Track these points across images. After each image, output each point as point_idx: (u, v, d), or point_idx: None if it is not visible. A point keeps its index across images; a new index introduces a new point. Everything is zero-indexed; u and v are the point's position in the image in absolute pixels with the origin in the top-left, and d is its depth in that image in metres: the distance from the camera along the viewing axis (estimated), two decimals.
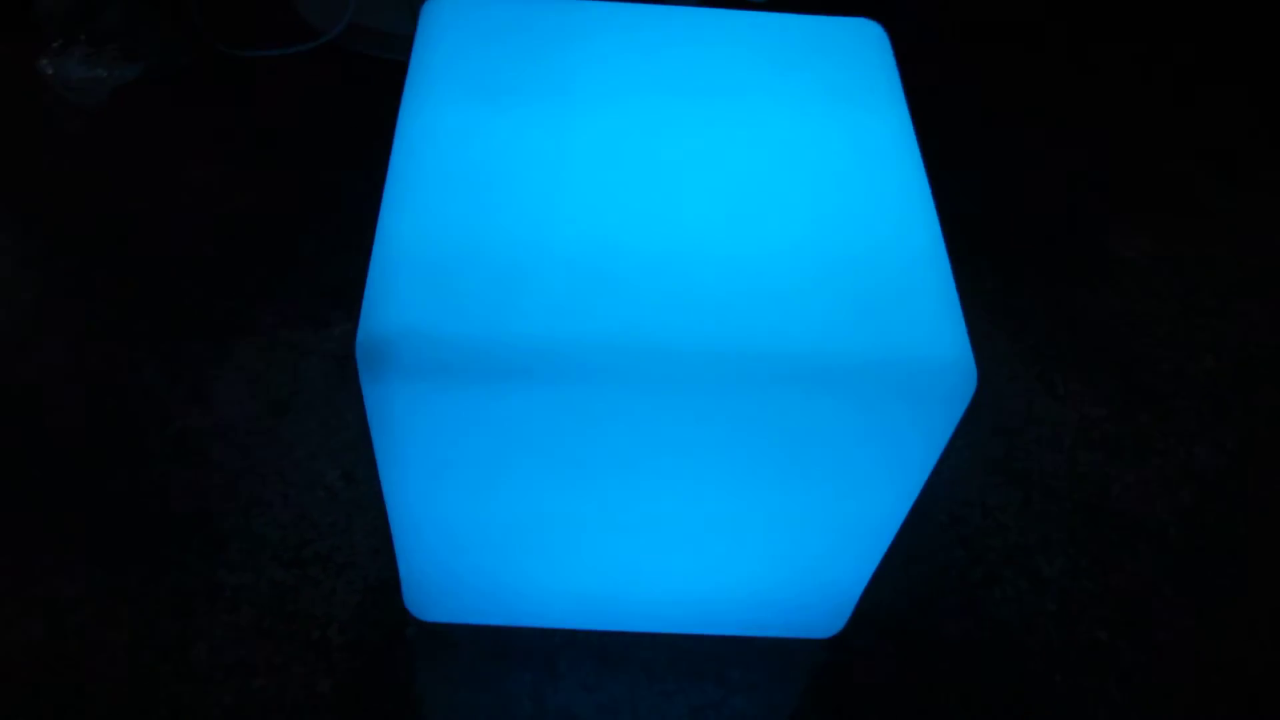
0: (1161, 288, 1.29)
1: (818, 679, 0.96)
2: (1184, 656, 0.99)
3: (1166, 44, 1.62)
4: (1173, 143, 1.47)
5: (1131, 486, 1.11)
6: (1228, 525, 1.09)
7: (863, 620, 0.99)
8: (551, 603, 0.92)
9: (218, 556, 0.98)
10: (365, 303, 0.68)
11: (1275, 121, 1.53)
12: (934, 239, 0.74)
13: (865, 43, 0.88)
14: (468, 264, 0.69)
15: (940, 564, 1.04)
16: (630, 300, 0.68)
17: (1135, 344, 1.23)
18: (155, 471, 1.03)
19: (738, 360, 0.66)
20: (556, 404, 0.69)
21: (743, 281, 0.70)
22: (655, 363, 0.66)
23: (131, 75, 1.35)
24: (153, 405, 1.08)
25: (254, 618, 0.94)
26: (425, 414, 0.70)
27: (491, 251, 0.69)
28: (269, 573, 0.97)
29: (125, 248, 1.21)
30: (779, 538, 0.82)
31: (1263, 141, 1.49)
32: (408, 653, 0.94)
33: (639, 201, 0.73)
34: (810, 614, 0.93)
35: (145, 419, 1.06)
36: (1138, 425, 1.16)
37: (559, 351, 0.66)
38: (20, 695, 0.89)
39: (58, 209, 1.25)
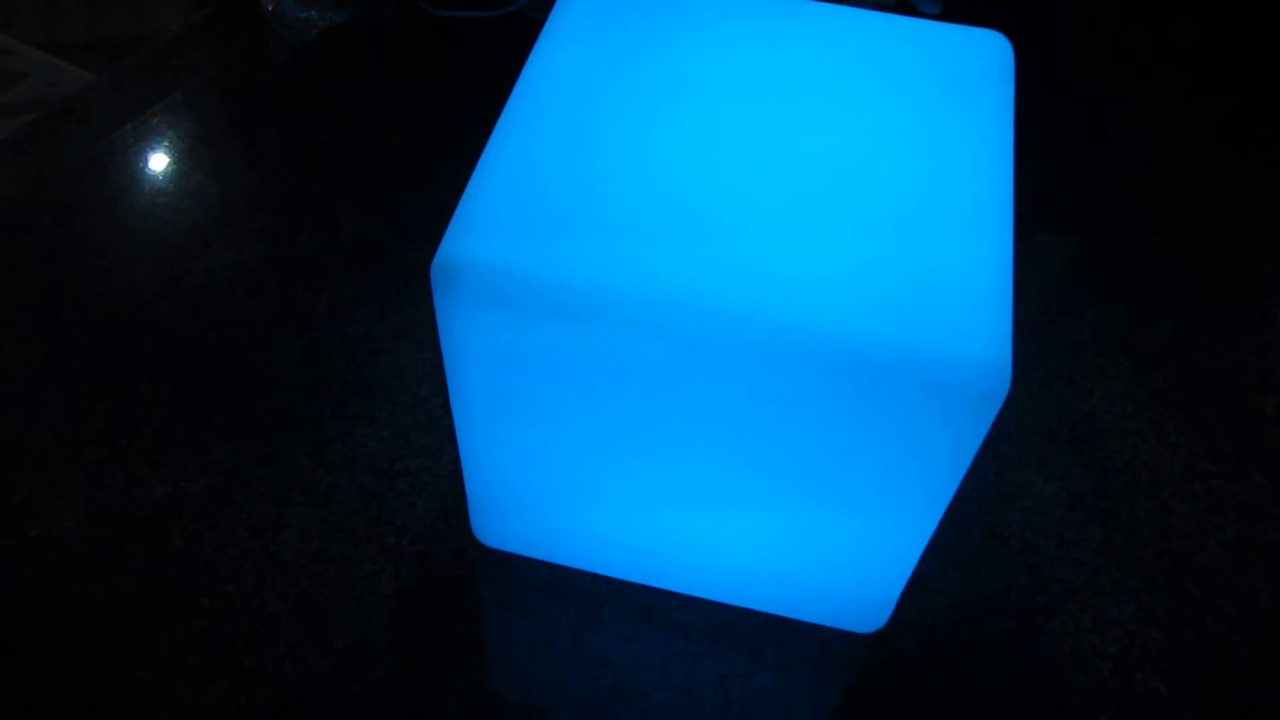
0: None
1: (851, 672, 0.97)
2: None
3: None
4: None
5: (1229, 546, 1.06)
6: None
7: (910, 624, 0.99)
8: (600, 548, 0.96)
9: (321, 456, 1.08)
10: (448, 230, 0.75)
11: None
12: (1002, 250, 0.75)
13: (987, 54, 0.88)
14: (549, 208, 0.74)
15: (1002, 586, 1.02)
16: (687, 262, 0.72)
17: (1266, 406, 1.17)
18: (286, 373, 1.14)
19: (771, 330, 0.69)
20: (603, 347, 0.73)
21: (800, 260, 0.72)
22: (691, 320, 0.70)
23: (338, 20, 1.48)
24: (295, 313, 1.19)
25: (341, 516, 1.04)
26: (485, 340, 0.76)
27: (573, 200, 0.75)
28: (361, 479, 1.06)
29: (300, 171, 1.34)
30: (811, 513, 0.84)
31: None
32: (467, 572, 1.01)
33: (721, 176, 0.77)
34: (849, 604, 0.94)
35: (288, 324, 1.18)
36: (1249, 485, 1.10)
37: (609, 297, 0.71)
38: (133, 548, 1.01)
39: (258, 131, 1.39)
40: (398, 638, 0.96)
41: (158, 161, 1.35)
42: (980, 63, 0.88)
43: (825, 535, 0.86)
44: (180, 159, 1.36)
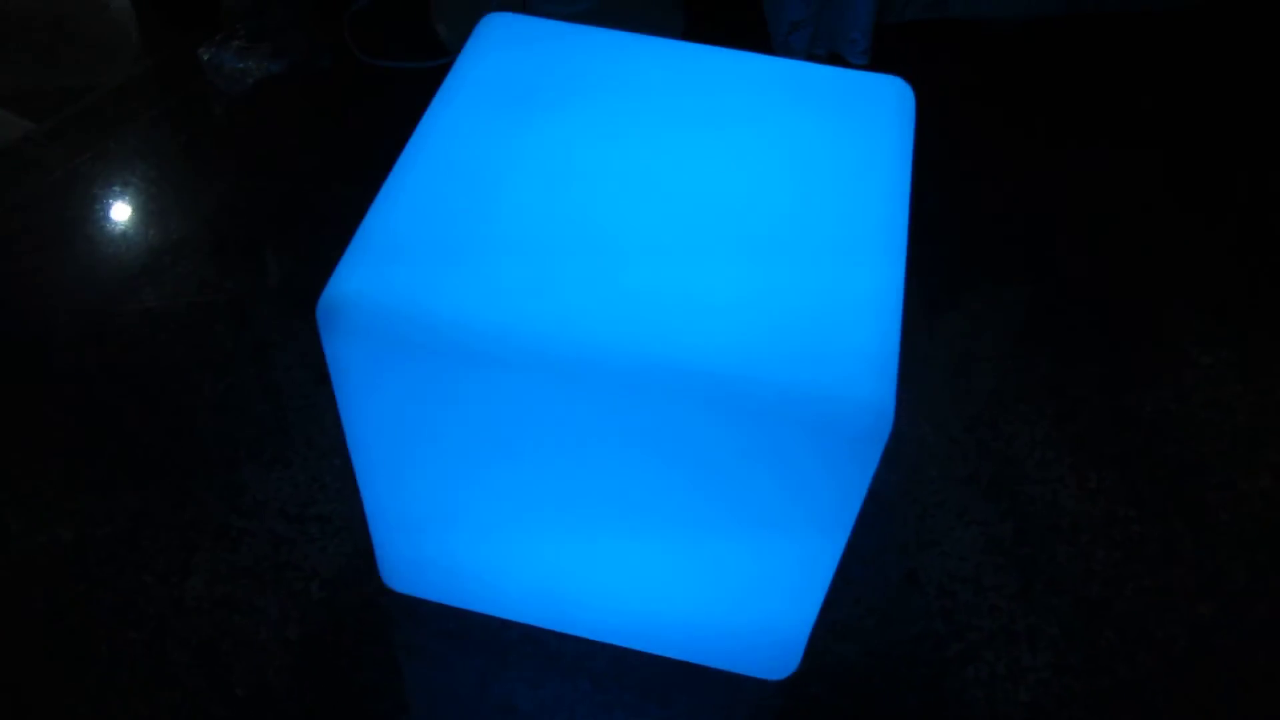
0: (1231, 401, 1.22)
1: (763, 714, 0.95)
2: None
3: None
4: None
5: (1147, 593, 1.06)
6: (1242, 652, 1.02)
7: (822, 671, 0.98)
8: (506, 593, 0.95)
9: (233, 501, 1.06)
10: (336, 268, 0.74)
11: None
12: (892, 292, 0.75)
13: (888, 98, 0.90)
14: (437, 245, 0.74)
15: (916, 633, 1.01)
16: (573, 299, 0.72)
17: (1186, 453, 1.17)
18: (203, 417, 1.13)
19: (653, 367, 0.69)
20: (488, 385, 0.73)
21: (688, 298, 0.72)
22: (572, 355, 0.70)
23: (275, 69, 1.49)
24: (217, 357, 1.18)
25: (249, 561, 1.02)
26: (373, 379, 0.75)
27: (463, 238, 0.75)
28: (272, 524, 1.05)
29: (232, 217, 1.34)
30: (707, 554, 0.83)
31: None
32: (375, 618, 0.99)
33: (616, 215, 0.77)
34: (756, 650, 0.93)
35: (208, 369, 1.17)
36: (1168, 532, 1.10)
37: (492, 334, 0.71)
38: (34, 591, 0.99)
39: (190, 179, 1.40)
40: (300, 685, 0.95)
41: (88, 207, 1.35)
42: (881, 106, 0.89)
43: (724, 577, 0.85)
44: (111, 205, 1.36)
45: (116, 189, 1.38)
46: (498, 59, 0.90)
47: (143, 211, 1.35)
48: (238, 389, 1.16)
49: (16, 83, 1.54)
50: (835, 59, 1.51)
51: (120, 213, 1.35)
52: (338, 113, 1.51)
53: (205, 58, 1.46)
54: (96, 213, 1.35)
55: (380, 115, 1.50)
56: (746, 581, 0.85)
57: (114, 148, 1.42)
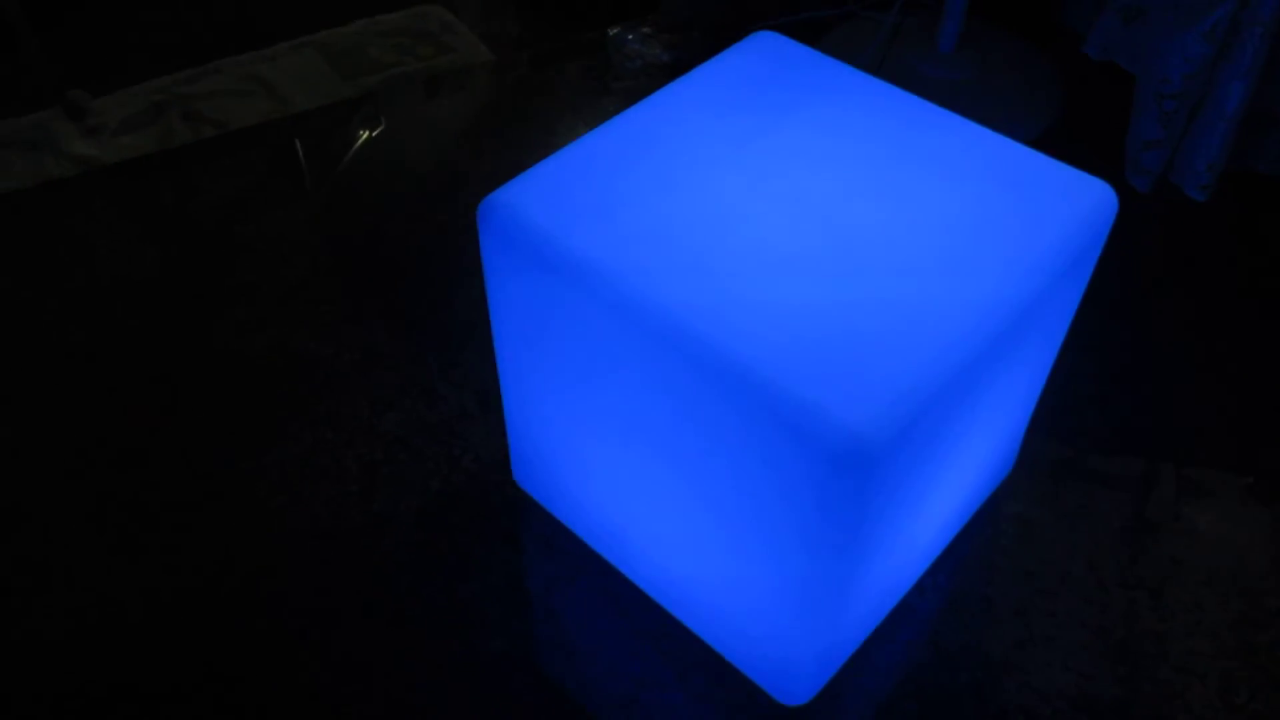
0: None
1: None
2: None
3: None
4: None
5: None
6: None
7: (845, 716, 0.98)
8: (591, 523, 1.06)
9: (449, 372, 1.27)
10: (511, 181, 0.90)
11: None
12: (959, 354, 0.77)
13: (1086, 199, 0.89)
14: (597, 194, 0.87)
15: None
16: (677, 274, 0.81)
17: None
18: (462, 299, 1.35)
19: (702, 348, 0.77)
20: (586, 317, 0.84)
21: (775, 304, 0.79)
22: (648, 318, 0.79)
23: (663, 59, 1.69)
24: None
25: (436, 420, 1.22)
26: (508, 281, 0.90)
27: (623, 196, 0.87)
28: (465, 399, 1.24)
29: None
30: (726, 548, 0.88)
31: None
32: (496, 501, 1.14)
33: (760, 223, 0.85)
34: (769, 663, 0.96)
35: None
36: None
37: (599, 274, 0.82)
38: (281, 385, 1.26)
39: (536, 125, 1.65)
40: (415, 523, 1.12)
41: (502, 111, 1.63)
42: (1076, 204, 0.88)
43: (737, 575, 0.89)
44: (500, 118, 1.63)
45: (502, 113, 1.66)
46: (745, 68, 1.00)
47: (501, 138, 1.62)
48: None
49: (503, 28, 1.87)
50: (1178, 187, 1.42)
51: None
52: None
53: (611, 33, 1.69)
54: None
55: None
56: (752, 586, 0.89)
57: (505, 87, 1.71)
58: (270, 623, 1.05)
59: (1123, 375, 1.28)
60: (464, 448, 1.19)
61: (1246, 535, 1.14)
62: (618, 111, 0.97)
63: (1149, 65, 1.36)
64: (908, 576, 1.04)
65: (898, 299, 0.79)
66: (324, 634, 1.04)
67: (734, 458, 0.80)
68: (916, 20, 1.70)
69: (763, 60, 1.01)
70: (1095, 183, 0.90)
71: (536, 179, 0.89)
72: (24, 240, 1.46)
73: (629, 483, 0.95)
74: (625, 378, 0.86)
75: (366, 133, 1.62)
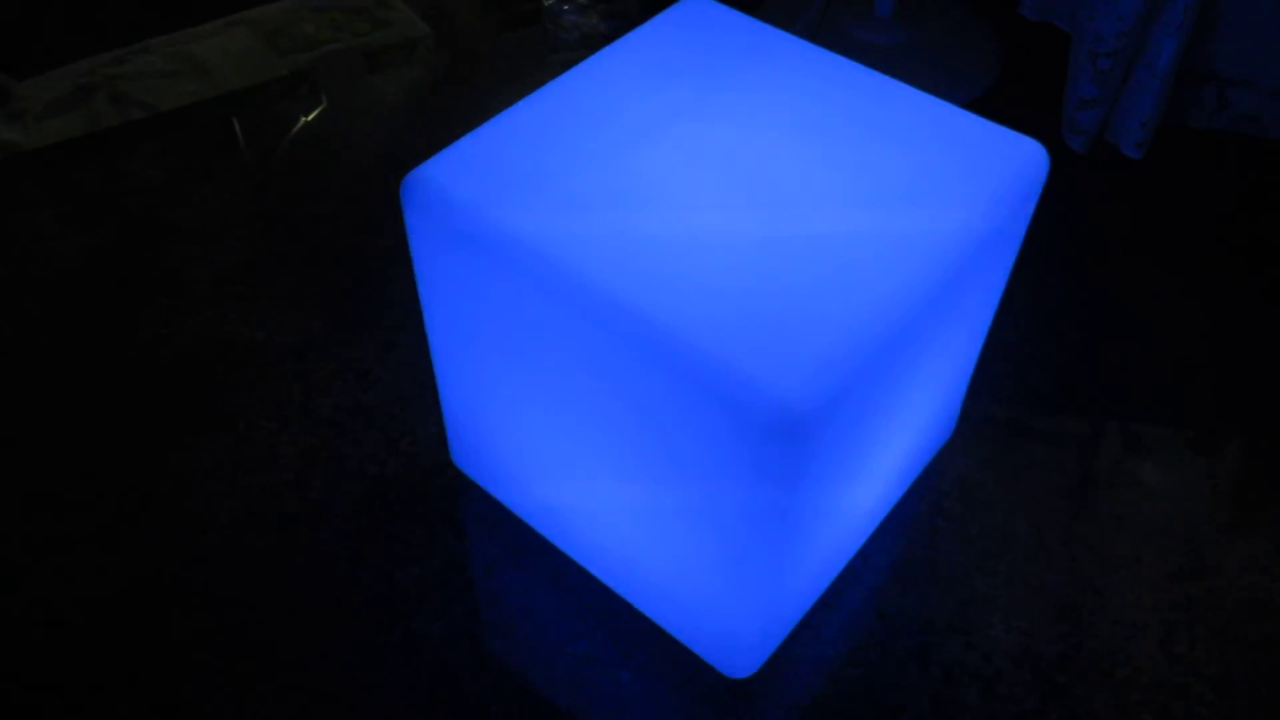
0: None
1: (704, 708, 0.98)
2: None
3: None
4: None
5: None
6: None
7: (785, 691, 0.98)
8: (531, 502, 1.05)
9: (384, 355, 1.25)
10: (430, 158, 0.87)
11: None
12: (890, 318, 0.76)
13: (1016, 159, 0.88)
14: (518, 165, 0.85)
15: (897, 703, 0.98)
16: (601, 243, 0.79)
17: None
18: (401, 275, 1.33)
19: (632, 318, 0.75)
20: (511, 290, 0.83)
21: (704, 271, 0.78)
22: (577, 290, 0.77)
23: (602, 29, 1.67)
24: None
25: (372, 402, 1.20)
26: (433, 257, 0.88)
27: (544, 167, 0.85)
28: (401, 382, 1.22)
29: None
30: (660, 519, 0.87)
31: None
32: (436, 484, 1.13)
33: (686, 189, 0.84)
34: (711, 636, 0.96)
35: None
36: None
37: (521, 245, 0.80)
38: (218, 367, 1.23)
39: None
40: (352, 509, 1.10)
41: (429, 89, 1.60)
42: (1005, 163, 0.87)
43: (673, 547, 0.89)
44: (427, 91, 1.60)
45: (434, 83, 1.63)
46: (676, 35, 0.98)
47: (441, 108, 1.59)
48: None
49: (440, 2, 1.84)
50: (1114, 146, 1.42)
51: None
52: None
53: (548, 4, 1.66)
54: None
55: None
56: (692, 560, 0.88)
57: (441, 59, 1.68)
58: (206, 616, 1.03)
59: (1063, 334, 1.29)
60: (402, 431, 1.18)
61: (1184, 489, 1.15)
62: None
63: (1084, 24, 1.35)
64: (851, 544, 1.04)
65: (829, 265, 0.78)
66: (261, 625, 1.02)
67: (668, 431, 0.79)
68: None
69: (695, 27, 1.00)
70: (1027, 141, 0.89)
71: (460, 153, 0.87)
72: None
73: (567, 460, 0.94)
74: (556, 354, 0.84)
75: (303, 113, 1.59)
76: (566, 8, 1.67)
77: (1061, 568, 1.08)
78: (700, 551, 0.87)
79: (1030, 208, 0.91)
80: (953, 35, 1.63)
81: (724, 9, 1.02)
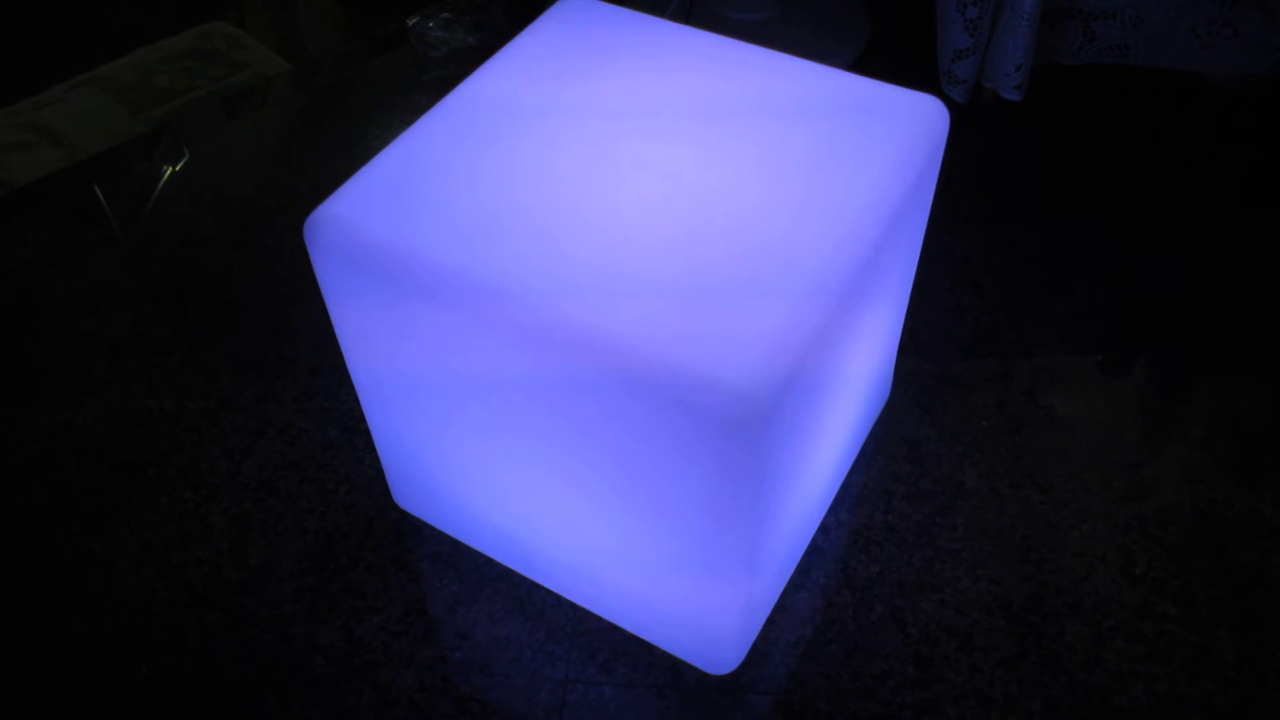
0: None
1: (694, 711, 0.96)
2: None
3: None
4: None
5: (1158, 697, 0.96)
6: None
7: (770, 679, 0.97)
8: (486, 531, 1.01)
9: (305, 404, 1.20)
10: (331, 195, 0.84)
11: None
12: (826, 295, 0.75)
13: (918, 117, 0.88)
14: (422, 190, 0.82)
15: (881, 670, 0.98)
16: (521, 255, 0.77)
17: (1269, 564, 1.05)
18: (307, 325, 1.28)
19: (565, 327, 0.73)
20: (431, 318, 0.80)
21: (630, 272, 0.76)
22: (495, 303, 0.75)
23: (470, 42, 1.63)
24: None
25: (299, 457, 1.15)
26: (346, 296, 0.84)
27: (448, 189, 0.82)
28: (328, 429, 1.17)
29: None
30: (626, 527, 0.85)
31: None
32: (381, 529, 1.08)
33: (597, 189, 0.82)
34: (693, 638, 0.94)
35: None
36: (1210, 641, 0.99)
37: (436, 270, 0.77)
38: (129, 441, 1.17)
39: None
40: (299, 568, 1.06)
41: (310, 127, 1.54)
42: (908, 123, 0.88)
43: (644, 554, 0.87)
44: (312, 128, 1.55)
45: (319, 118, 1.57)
46: (557, 36, 0.96)
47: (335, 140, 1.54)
48: None
49: (294, 35, 1.77)
50: (995, 92, 1.45)
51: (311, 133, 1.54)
52: None
53: (411, 24, 1.62)
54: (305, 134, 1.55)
55: None
56: (661, 563, 0.86)
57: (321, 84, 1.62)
58: (159, 708, 0.97)
59: (973, 280, 1.31)
60: (336, 480, 1.13)
61: (1114, 414, 1.17)
62: (432, 103, 0.91)
63: None
64: (812, 521, 1.04)
65: (758, 247, 0.77)
66: (221, 709, 0.97)
67: (621, 442, 0.77)
68: None
69: (574, 26, 0.98)
70: (923, 98, 0.89)
71: (360, 187, 0.83)
72: None
73: (518, 486, 0.91)
74: (492, 380, 0.81)
75: (169, 167, 1.51)
76: (431, 25, 1.63)
77: (1016, 511, 1.09)
78: (669, 554, 0.85)
79: (938, 162, 0.91)
80: (820, 3, 1.65)
81: (602, 5, 1.00)
